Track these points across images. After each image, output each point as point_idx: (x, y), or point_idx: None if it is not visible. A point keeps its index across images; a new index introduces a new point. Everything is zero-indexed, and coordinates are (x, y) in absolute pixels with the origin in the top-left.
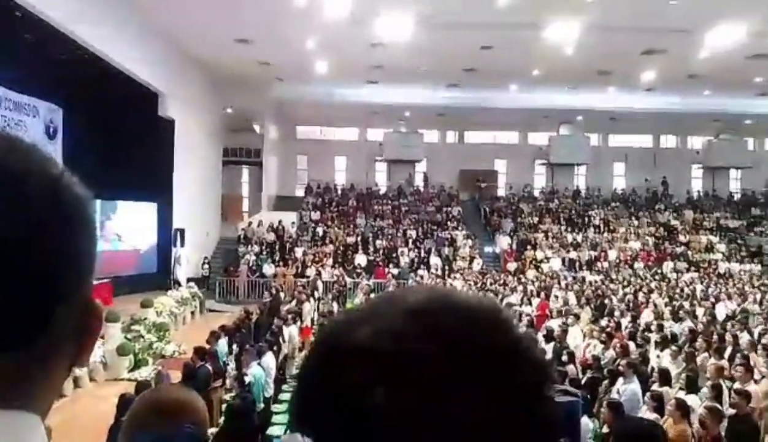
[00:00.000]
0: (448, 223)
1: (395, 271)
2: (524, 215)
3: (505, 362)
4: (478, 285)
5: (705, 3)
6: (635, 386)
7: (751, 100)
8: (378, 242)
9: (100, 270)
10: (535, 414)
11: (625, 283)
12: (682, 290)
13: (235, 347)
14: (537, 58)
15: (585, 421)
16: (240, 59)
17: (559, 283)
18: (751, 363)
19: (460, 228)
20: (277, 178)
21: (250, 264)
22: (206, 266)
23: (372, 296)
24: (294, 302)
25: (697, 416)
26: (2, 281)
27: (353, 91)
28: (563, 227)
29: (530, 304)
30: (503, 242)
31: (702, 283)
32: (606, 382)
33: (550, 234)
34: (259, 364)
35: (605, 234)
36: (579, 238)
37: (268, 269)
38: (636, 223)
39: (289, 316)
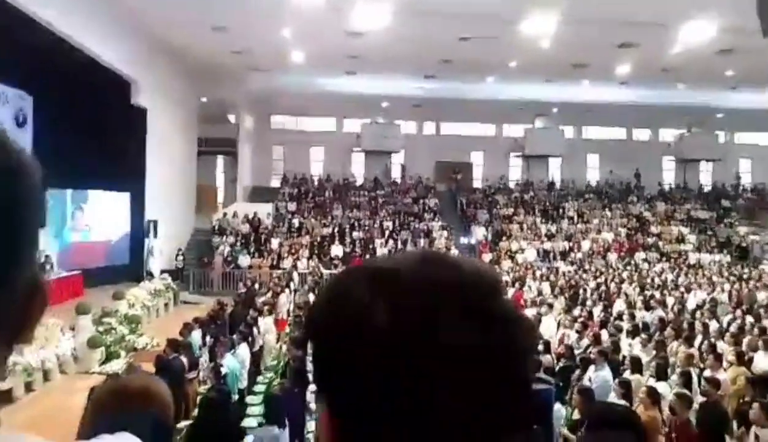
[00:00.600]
0: (425, 214)
1: None
2: (499, 207)
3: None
4: None
5: None
6: (606, 373)
7: (723, 94)
8: (354, 233)
9: (70, 261)
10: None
11: (598, 273)
12: (653, 280)
13: (208, 338)
14: (514, 51)
15: (558, 407)
16: (215, 48)
17: (533, 273)
18: (719, 350)
19: (436, 219)
20: (253, 168)
21: (225, 255)
22: (180, 257)
23: None
24: (269, 294)
25: (667, 402)
26: None
27: (330, 81)
28: (538, 219)
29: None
30: (479, 233)
31: (673, 273)
32: (578, 370)
33: (525, 225)
34: (233, 355)
35: (579, 225)
36: (553, 229)
37: (244, 260)
38: (609, 214)
39: (265, 307)
